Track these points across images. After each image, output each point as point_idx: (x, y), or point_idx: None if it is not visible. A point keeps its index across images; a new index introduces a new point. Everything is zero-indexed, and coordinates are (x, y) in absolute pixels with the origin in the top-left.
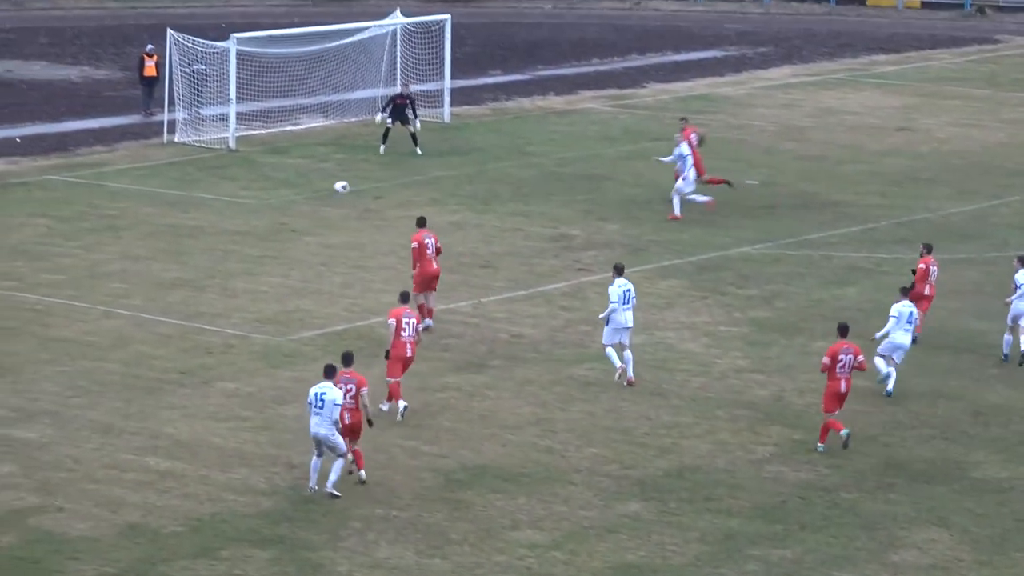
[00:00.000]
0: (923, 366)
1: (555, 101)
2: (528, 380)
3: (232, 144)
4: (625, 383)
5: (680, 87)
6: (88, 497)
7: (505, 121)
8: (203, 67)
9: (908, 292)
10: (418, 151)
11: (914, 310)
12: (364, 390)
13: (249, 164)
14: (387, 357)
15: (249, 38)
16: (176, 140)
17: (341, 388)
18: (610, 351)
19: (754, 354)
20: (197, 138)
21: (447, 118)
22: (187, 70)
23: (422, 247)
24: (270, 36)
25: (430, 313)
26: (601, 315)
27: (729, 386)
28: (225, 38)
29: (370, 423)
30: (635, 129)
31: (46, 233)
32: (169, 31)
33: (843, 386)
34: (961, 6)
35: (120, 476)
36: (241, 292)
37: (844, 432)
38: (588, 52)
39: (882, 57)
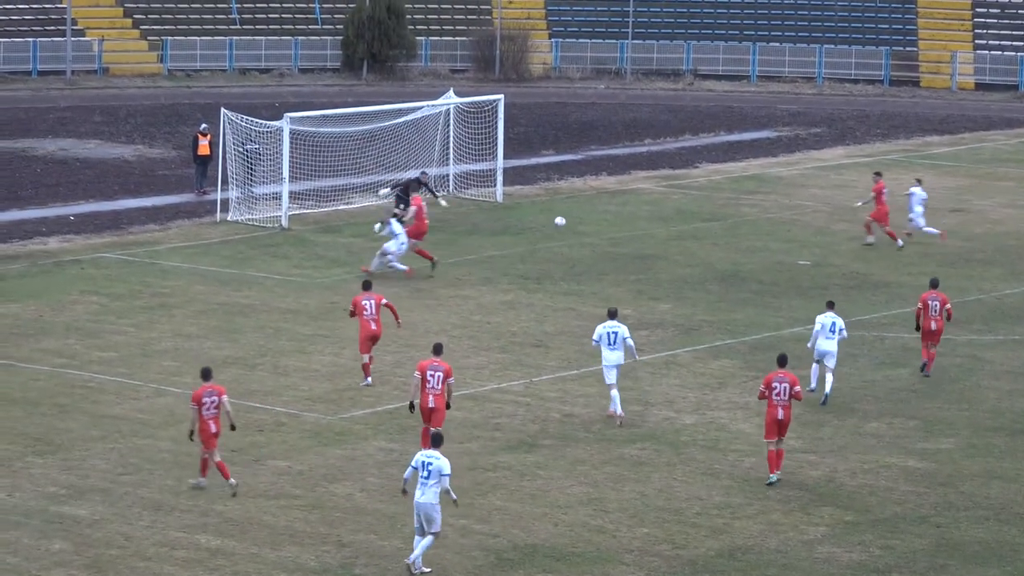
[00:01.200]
0: (976, 447)
1: (607, 181)
2: (579, 460)
3: (285, 223)
4: (618, 423)
5: (733, 167)
6: (139, 575)
7: (557, 201)
8: (256, 146)
9: (833, 306)
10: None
11: (836, 321)
12: (224, 398)
13: (301, 243)
14: (411, 410)
15: (302, 117)
16: (229, 219)
17: (206, 401)
18: (614, 393)
19: (806, 434)
20: (250, 217)
21: (499, 197)
22: (241, 149)
23: (359, 308)
24: (323, 115)
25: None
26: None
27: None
28: (278, 117)
29: (232, 427)
30: (687, 209)
31: (99, 311)
32: (223, 110)
33: (780, 413)
34: (1015, 87)
35: (171, 554)
36: (292, 370)
37: (773, 478)
38: (641, 132)
39: (935, 138)
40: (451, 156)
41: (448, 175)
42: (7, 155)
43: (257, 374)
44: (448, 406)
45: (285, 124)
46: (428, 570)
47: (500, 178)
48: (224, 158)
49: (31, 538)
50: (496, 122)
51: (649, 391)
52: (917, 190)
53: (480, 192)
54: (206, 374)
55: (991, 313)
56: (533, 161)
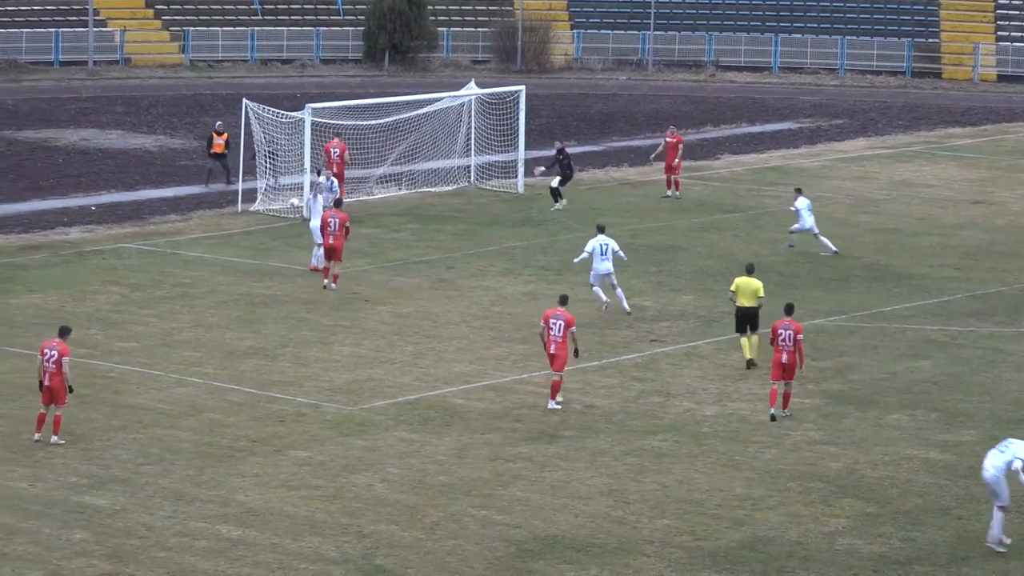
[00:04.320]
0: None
1: (629, 172)
2: (600, 451)
3: (306, 213)
4: (625, 311)
5: (754, 159)
6: (160, 565)
7: (579, 192)
8: (271, 149)
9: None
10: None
11: None
12: (66, 359)
13: None
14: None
15: (324, 108)
16: (251, 209)
17: (46, 352)
18: (596, 289)
19: (828, 426)
20: (271, 207)
21: (521, 189)
22: (263, 148)
23: (325, 224)
24: (345, 106)
25: (335, 279)
26: (575, 259)
27: (802, 458)
28: (300, 108)
29: (71, 389)
30: (709, 201)
31: (120, 301)
32: (245, 101)
33: (783, 357)
34: None
35: (192, 544)
36: (313, 361)
37: (773, 411)
38: (662, 123)
39: (957, 130)
40: (472, 147)
41: (470, 166)
42: (29, 145)
43: (278, 364)
44: (576, 353)
45: (307, 115)
46: (1008, 540)
47: (522, 169)
48: (246, 149)
49: (52, 528)
50: (517, 113)
51: (670, 382)
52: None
53: (501, 183)
54: (62, 331)
55: (1013, 305)
56: (555, 152)
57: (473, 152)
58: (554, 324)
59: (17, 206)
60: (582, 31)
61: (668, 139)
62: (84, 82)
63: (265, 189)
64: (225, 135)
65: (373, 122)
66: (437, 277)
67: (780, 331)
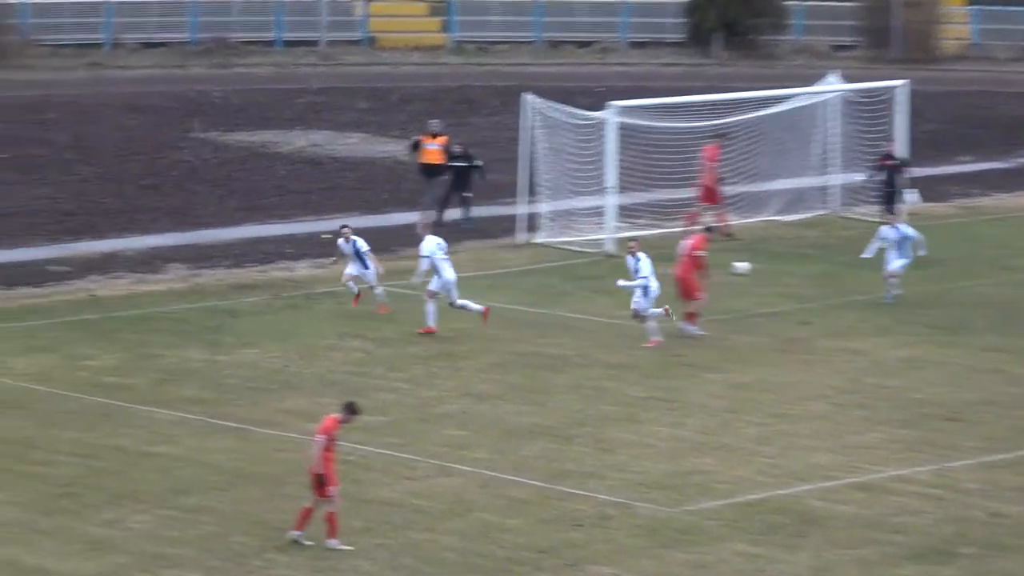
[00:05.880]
0: None
1: None
2: (1013, 575)
3: (611, 247)
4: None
5: None
6: None
7: (978, 224)
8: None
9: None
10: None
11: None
12: (319, 438)
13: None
14: None
15: (632, 107)
16: (536, 241)
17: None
18: (431, 305)
19: None
20: (564, 239)
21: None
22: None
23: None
24: (661, 105)
25: (688, 317)
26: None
27: None
28: (600, 107)
29: (319, 478)
30: None
31: (362, 360)
32: (526, 96)
33: None
34: None
35: None
36: (620, 445)
37: None
38: None
39: None
40: (836, 161)
41: (830, 187)
42: (243, 152)
43: (573, 449)
44: None
45: (609, 116)
46: None
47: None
48: (532, 162)
49: None
50: (893, 117)
51: None
52: None
53: (873, 210)
54: (345, 405)
55: None
56: (945, 170)
57: (837, 168)
58: None
59: (227, 232)
60: (982, 8)
61: None
62: (315, 69)
63: (550, 215)
64: (444, 138)
65: (698, 124)
66: (787, 336)
67: None
